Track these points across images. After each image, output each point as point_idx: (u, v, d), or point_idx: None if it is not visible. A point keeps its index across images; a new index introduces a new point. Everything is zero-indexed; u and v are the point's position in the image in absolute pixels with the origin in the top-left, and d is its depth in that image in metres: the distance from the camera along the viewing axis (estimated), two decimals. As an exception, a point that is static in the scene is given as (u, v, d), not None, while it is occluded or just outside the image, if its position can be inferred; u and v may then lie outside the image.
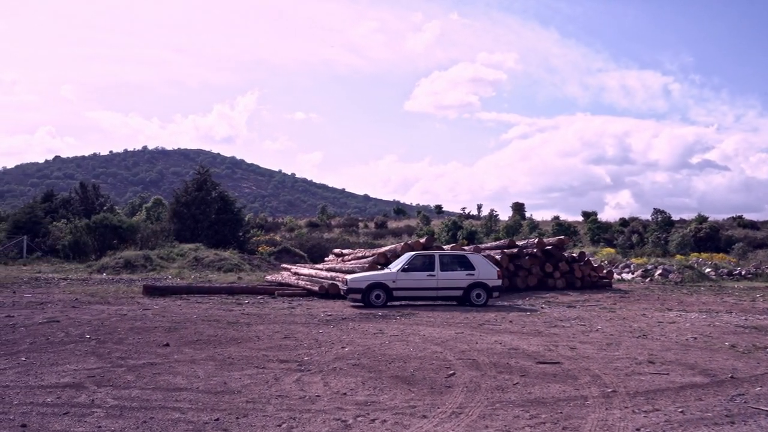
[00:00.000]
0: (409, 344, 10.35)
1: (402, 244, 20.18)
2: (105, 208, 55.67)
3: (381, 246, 37.63)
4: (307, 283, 19.99)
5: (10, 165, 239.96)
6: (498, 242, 25.13)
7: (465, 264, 17.08)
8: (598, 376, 8.03)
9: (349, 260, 22.07)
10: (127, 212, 72.56)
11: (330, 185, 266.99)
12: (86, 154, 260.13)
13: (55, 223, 43.51)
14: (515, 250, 21.71)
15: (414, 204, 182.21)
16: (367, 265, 19.26)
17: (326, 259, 26.37)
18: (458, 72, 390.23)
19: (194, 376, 7.81)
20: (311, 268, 22.72)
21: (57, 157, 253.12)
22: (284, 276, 22.82)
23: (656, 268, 28.81)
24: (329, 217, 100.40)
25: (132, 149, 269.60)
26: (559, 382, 7.68)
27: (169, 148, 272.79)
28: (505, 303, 17.76)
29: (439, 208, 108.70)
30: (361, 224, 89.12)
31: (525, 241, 23.51)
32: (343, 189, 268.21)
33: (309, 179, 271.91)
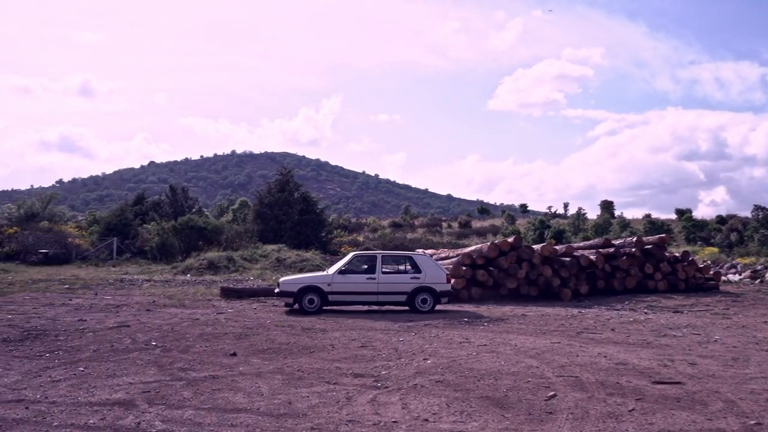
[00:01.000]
0: (499, 356, 9.19)
1: (488, 243, 18.93)
2: (193, 210, 56.66)
3: (465, 246, 36.39)
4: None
5: (109, 171, 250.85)
6: (592, 241, 23.47)
7: (410, 266, 15.45)
8: (732, 401, 6.66)
9: (433, 261, 21.00)
10: (215, 214, 73.82)
11: (413, 185, 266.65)
12: (179, 159, 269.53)
13: (144, 225, 44.40)
14: (611, 250, 20.08)
15: (498, 204, 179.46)
16: (451, 266, 18.13)
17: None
18: (543, 69, 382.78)
19: (257, 394, 6.94)
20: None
21: (152, 163, 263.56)
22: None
23: (767, 268, 26.40)
24: (412, 217, 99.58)
25: (221, 153, 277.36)
26: (685, 409, 6.37)
27: (256, 151, 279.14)
28: (603, 307, 16.29)
29: (524, 207, 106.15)
30: (444, 224, 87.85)
31: (622, 240, 21.80)
32: (426, 189, 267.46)
33: (392, 180, 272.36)
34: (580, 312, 15.21)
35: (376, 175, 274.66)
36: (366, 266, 15.44)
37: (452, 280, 18.55)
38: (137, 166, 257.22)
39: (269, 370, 8.20)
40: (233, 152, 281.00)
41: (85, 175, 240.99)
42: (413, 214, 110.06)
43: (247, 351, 9.49)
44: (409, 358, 9.03)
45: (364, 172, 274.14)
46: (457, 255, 19.30)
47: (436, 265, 15.41)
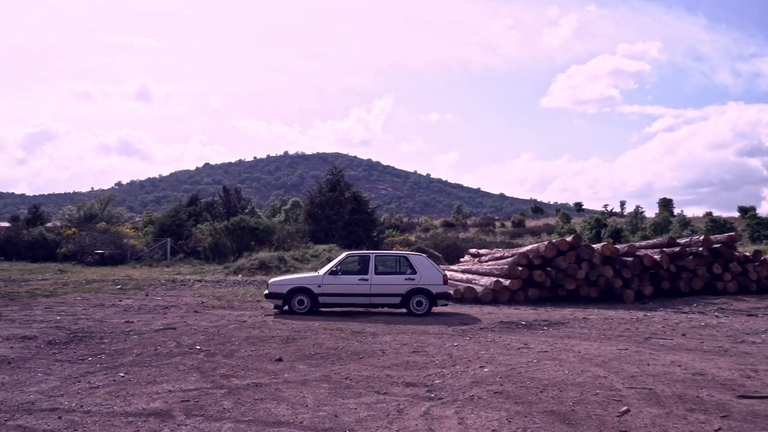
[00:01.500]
0: (562, 364, 8.51)
1: (546, 243, 18.14)
2: (246, 211, 57.01)
3: (520, 246, 35.47)
4: (442, 286, 18.46)
5: (166, 173, 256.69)
6: (655, 240, 22.38)
7: (405, 267, 14.80)
8: (834, 420, 5.90)
9: (487, 261, 20.31)
10: (268, 215, 74.35)
11: (465, 185, 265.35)
12: (232, 161, 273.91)
13: (198, 225, 44.76)
14: (677, 249, 19.04)
15: (551, 202, 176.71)
16: (506, 266, 17.45)
17: (462, 259, 24.72)
18: (597, 65, 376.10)
19: (301, 404, 6.45)
20: (446, 270, 21.13)
21: (206, 164, 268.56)
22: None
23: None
24: (465, 217, 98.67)
25: (274, 155, 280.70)
26: (780, 429, 5.64)
27: (308, 152, 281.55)
28: (669, 309, 15.37)
29: (579, 205, 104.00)
30: (497, 223, 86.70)
31: (687, 239, 20.69)
32: (479, 188, 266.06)
33: (444, 179, 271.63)
34: (645, 315, 14.33)
35: (428, 175, 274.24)
36: (358, 267, 14.86)
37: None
38: (192, 167, 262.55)
39: (315, 377, 7.72)
40: (286, 153, 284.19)
41: (143, 177, 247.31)
42: (465, 214, 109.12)
43: (293, 356, 9.04)
44: (464, 366, 8.44)
45: (415, 172, 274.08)
46: (513, 255, 18.57)
47: (432, 266, 14.57)
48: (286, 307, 14.15)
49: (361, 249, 33.40)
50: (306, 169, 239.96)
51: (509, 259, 18.14)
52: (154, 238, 39.66)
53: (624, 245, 19.41)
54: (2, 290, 18.61)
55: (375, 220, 42.88)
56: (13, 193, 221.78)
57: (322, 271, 14.66)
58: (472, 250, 24.12)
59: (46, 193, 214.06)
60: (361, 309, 14.54)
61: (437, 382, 7.49)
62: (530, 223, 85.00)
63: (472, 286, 17.19)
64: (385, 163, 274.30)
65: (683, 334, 11.36)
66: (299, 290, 14.13)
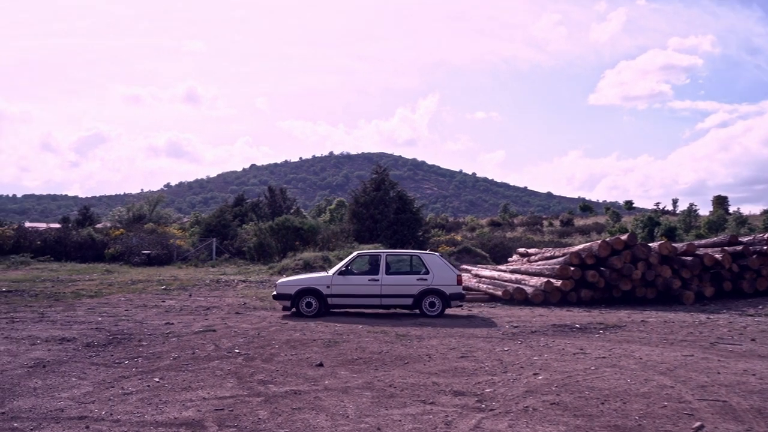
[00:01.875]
0: (623, 372, 7.87)
1: (599, 241, 17.35)
2: (291, 211, 57.09)
3: (568, 245, 34.52)
4: (489, 286, 17.86)
5: (213, 174, 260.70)
6: (716, 239, 21.32)
7: (417, 267, 14.19)
8: None
9: (536, 261, 19.62)
10: (313, 215, 74.45)
11: (511, 184, 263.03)
12: (278, 161, 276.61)
13: (243, 226, 44.89)
14: (739, 248, 18.03)
15: (600, 201, 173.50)
16: (557, 266, 16.77)
17: (510, 259, 24.03)
18: (647, 60, 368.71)
19: (342, 415, 6.00)
20: (493, 270, 20.52)
21: (253, 165, 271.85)
22: (464, 278, 20.84)
23: None
24: (511, 216, 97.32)
25: (319, 155, 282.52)
26: None
27: (353, 152, 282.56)
28: (734, 312, 14.50)
29: (629, 204, 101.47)
30: (545, 222, 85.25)
31: (751, 237, 19.62)
32: (525, 187, 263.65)
33: (490, 178, 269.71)
34: (708, 318, 13.51)
35: (474, 174, 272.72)
36: (369, 267, 14.29)
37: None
38: (239, 169, 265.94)
39: (358, 384, 7.26)
40: (331, 153, 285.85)
41: (191, 179, 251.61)
42: (512, 213, 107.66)
43: (334, 361, 8.61)
44: (516, 373, 7.88)
45: (461, 171, 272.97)
46: (564, 254, 17.86)
47: (446, 265, 13.94)
48: (294, 310, 13.71)
49: (407, 248, 32.92)
50: (351, 169, 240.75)
51: (560, 259, 17.44)
52: (199, 238, 39.84)
53: (682, 244, 18.49)
54: (49, 291, 18.69)
55: (420, 220, 42.32)
56: (66, 195, 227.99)
57: (331, 271, 14.17)
58: (521, 250, 23.43)
59: (97, 195, 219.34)
60: (406, 311, 14.01)
61: (488, 390, 6.96)
62: (579, 221, 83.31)
63: (521, 286, 16.55)
64: (430, 162, 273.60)
65: (753, 339, 10.57)
66: (307, 291, 13.66)
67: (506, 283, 17.57)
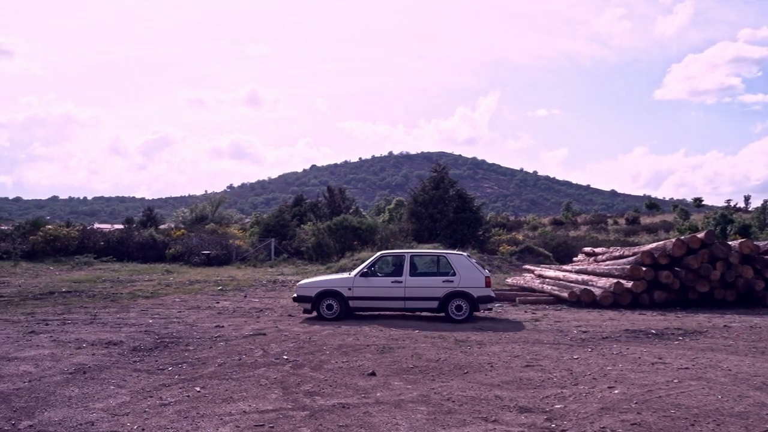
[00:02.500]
0: (711, 386, 6.99)
1: (673, 240, 16.21)
2: (350, 210, 56.85)
3: (635, 244, 33.06)
4: (554, 287, 16.94)
5: (274, 175, 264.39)
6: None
7: (443, 268, 13.36)
8: None
9: (604, 260, 18.57)
10: (372, 215, 74.14)
11: (574, 182, 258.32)
12: (338, 162, 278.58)
13: (302, 226, 44.81)
14: (828, 246, 16.63)
15: (667, 198, 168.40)
16: (628, 266, 15.75)
17: (575, 259, 22.96)
18: (716, 53, 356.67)
19: (393, 434, 5.37)
20: (558, 270, 19.55)
21: (313, 166, 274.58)
22: (527, 279, 19.95)
23: None
24: (574, 214, 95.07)
25: (379, 155, 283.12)
26: None
27: (413, 152, 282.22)
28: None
29: (698, 201, 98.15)
30: (609, 221, 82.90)
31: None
32: (588, 185, 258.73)
33: (552, 176, 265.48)
34: (798, 323, 12.36)
35: (535, 172, 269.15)
36: (392, 268, 13.60)
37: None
38: (300, 169, 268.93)
39: (412, 397, 6.61)
40: (390, 153, 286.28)
41: (253, 180, 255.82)
42: (575, 211, 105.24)
43: (388, 369, 7.98)
44: (589, 385, 7.10)
45: (521, 170, 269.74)
46: (635, 254, 16.79)
47: (473, 267, 13.03)
48: (314, 313, 13.11)
49: (468, 248, 32.10)
50: (410, 169, 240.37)
51: (630, 259, 16.40)
52: (258, 238, 39.87)
53: (765, 242, 17.17)
54: (106, 291, 18.68)
55: (480, 219, 41.35)
56: (134, 197, 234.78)
57: (353, 273, 13.48)
58: (587, 249, 22.35)
59: (163, 197, 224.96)
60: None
61: (558, 407, 6.22)
62: (645, 220, 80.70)
63: (588, 288, 15.59)
64: (490, 161, 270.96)
65: None
66: (328, 294, 13.06)
67: (572, 284, 16.62)
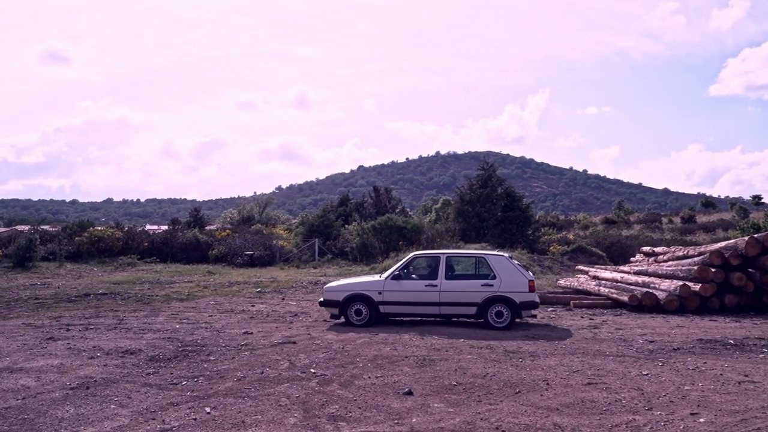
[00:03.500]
0: (819, 414, 5.79)
1: (745, 238, 14.73)
2: (397, 210, 55.92)
3: (694, 244, 31.31)
4: (612, 290, 15.65)
5: (322, 176, 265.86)
6: None
7: (482, 270, 12.15)
8: None
9: (665, 261, 17.19)
10: (419, 215, 73.08)
11: (625, 180, 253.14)
12: (385, 162, 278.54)
13: (347, 226, 44.07)
14: None
15: (722, 197, 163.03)
16: (695, 267, 14.40)
17: (632, 259, 21.54)
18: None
19: (429, 477, 4.37)
20: (615, 271, 18.20)
21: (360, 167, 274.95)
22: (581, 281, 18.65)
23: None
24: (627, 213, 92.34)
25: (426, 155, 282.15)
26: None
27: (460, 152, 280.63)
28: None
29: (757, 198, 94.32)
30: (664, 219, 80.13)
31: None
32: (640, 184, 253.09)
33: (602, 175, 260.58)
34: None
35: (584, 171, 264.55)
36: (427, 270, 12.44)
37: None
38: (347, 170, 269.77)
39: (454, 425, 5.58)
40: (437, 153, 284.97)
41: (302, 181, 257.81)
42: (627, 210, 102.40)
43: (427, 387, 6.96)
44: (666, 410, 5.96)
45: (571, 168, 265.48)
46: (701, 253, 15.40)
47: (515, 269, 11.83)
48: (342, 319, 12.05)
49: (517, 248, 30.82)
50: (458, 169, 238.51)
51: (697, 259, 15.01)
52: (302, 239, 39.22)
53: None
54: (143, 293, 18.11)
55: (529, 218, 39.90)
56: (185, 199, 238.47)
57: (384, 275, 12.40)
58: (646, 249, 20.88)
59: (213, 198, 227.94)
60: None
61: (631, 439, 5.12)
62: (701, 218, 77.75)
63: (651, 291, 14.26)
64: (538, 160, 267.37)
65: None
66: (357, 298, 11.98)
67: (632, 287, 15.30)
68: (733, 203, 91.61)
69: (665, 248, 19.13)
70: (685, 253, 16.49)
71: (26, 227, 45.40)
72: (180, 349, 9.32)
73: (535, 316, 12.00)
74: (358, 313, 11.91)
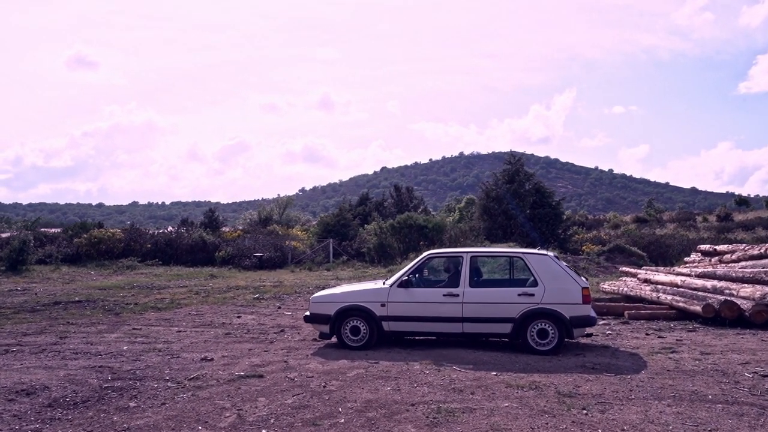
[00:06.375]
0: None
1: None
2: (419, 210, 53.25)
3: (738, 242, 28.36)
4: (675, 297, 12.72)
5: (345, 178, 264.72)
6: None
7: (519, 274, 9.33)
8: None
9: (735, 261, 14.31)
10: (443, 214, 70.41)
11: (652, 180, 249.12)
12: (408, 164, 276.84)
13: (365, 226, 41.56)
14: None
15: (752, 195, 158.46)
16: (775, 268, 11.56)
17: (687, 259, 18.64)
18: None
19: None
20: (671, 274, 15.27)
21: (383, 168, 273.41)
22: (629, 285, 15.74)
23: None
24: (658, 212, 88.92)
25: (449, 156, 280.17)
26: None
27: (483, 152, 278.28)
28: None
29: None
30: (698, 218, 76.63)
31: None
32: (667, 183, 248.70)
33: (628, 174, 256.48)
34: None
35: (610, 170, 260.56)
36: (445, 274, 9.61)
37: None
38: (370, 172, 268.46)
39: None
40: (461, 154, 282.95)
41: (325, 183, 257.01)
42: (658, 209, 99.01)
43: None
44: None
45: (596, 168, 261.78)
46: (784, 252, 12.51)
47: (564, 273, 8.79)
48: (334, 339, 9.28)
49: (548, 248, 27.97)
50: (481, 169, 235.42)
51: (778, 259, 12.16)
52: (317, 239, 36.69)
53: None
54: (122, 301, 15.66)
55: (560, 215, 36.84)
56: (209, 201, 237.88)
57: (389, 282, 9.34)
58: (705, 247, 17.87)
59: (238, 201, 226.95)
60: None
61: None
62: (737, 217, 74.21)
63: (731, 300, 11.33)
64: (563, 160, 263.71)
65: None
66: (353, 311, 9.09)
67: (699, 293, 12.41)
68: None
69: (732, 246, 16.17)
70: (762, 251, 13.56)
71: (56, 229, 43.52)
72: (103, 387, 6.71)
73: (590, 335, 9.14)
74: (355, 331, 9.03)
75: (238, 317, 12.69)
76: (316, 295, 9.77)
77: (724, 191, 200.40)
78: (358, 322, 9.02)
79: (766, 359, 7.86)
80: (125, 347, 9.13)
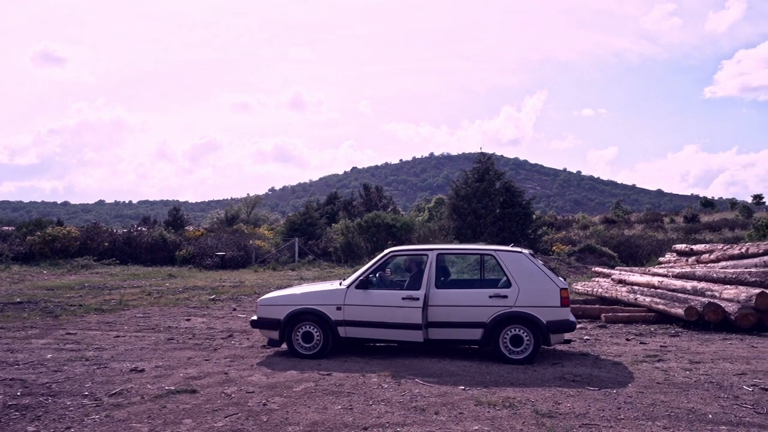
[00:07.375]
0: None
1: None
2: (388, 209, 52.46)
3: (704, 242, 28.09)
4: (654, 299, 11.99)
5: (316, 178, 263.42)
6: None
7: (490, 274, 8.44)
8: None
9: (713, 261, 13.69)
10: (413, 214, 69.75)
11: (619, 182, 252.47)
12: (379, 164, 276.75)
13: (332, 225, 40.67)
14: None
15: (716, 198, 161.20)
16: (754, 268, 10.93)
17: (662, 259, 18.04)
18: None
19: None
20: (646, 274, 14.59)
21: (354, 168, 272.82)
22: (604, 286, 15.03)
23: None
24: (626, 213, 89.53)
25: (420, 156, 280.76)
26: None
27: (453, 153, 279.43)
28: None
29: (758, 198, 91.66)
30: (665, 219, 77.17)
31: None
32: (633, 185, 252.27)
33: (596, 176, 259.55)
34: None
35: (578, 172, 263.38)
36: (407, 274, 8.68)
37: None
38: (341, 172, 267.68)
39: None
40: (431, 154, 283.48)
41: (295, 183, 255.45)
42: (626, 210, 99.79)
43: None
44: None
45: (565, 170, 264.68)
46: (766, 251, 11.89)
47: (540, 273, 7.89)
48: (284, 346, 8.29)
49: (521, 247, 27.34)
50: (451, 170, 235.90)
51: (756, 260, 11.52)
52: (283, 238, 35.67)
53: None
54: (66, 302, 14.57)
55: (530, 215, 36.23)
56: (177, 201, 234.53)
57: (346, 282, 8.35)
58: (680, 246, 17.27)
59: (207, 200, 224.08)
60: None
61: None
62: (703, 218, 74.91)
63: (715, 302, 10.63)
64: (532, 161, 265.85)
65: None
66: (306, 315, 8.10)
67: (679, 294, 11.72)
68: (733, 203, 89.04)
69: (709, 246, 15.58)
70: (743, 250, 12.93)
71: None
72: (7, 404, 5.72)
73: (568, 341, 8.29)
74: (308, 338, 8.03)
75: (187, 320, 11.73)
76: (265, 296, 8.68)
77: (689, 193, 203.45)
78: (311, 327, 8.04)
79: (762, 369, 7.10)
80: (49, 355, 8.11)
